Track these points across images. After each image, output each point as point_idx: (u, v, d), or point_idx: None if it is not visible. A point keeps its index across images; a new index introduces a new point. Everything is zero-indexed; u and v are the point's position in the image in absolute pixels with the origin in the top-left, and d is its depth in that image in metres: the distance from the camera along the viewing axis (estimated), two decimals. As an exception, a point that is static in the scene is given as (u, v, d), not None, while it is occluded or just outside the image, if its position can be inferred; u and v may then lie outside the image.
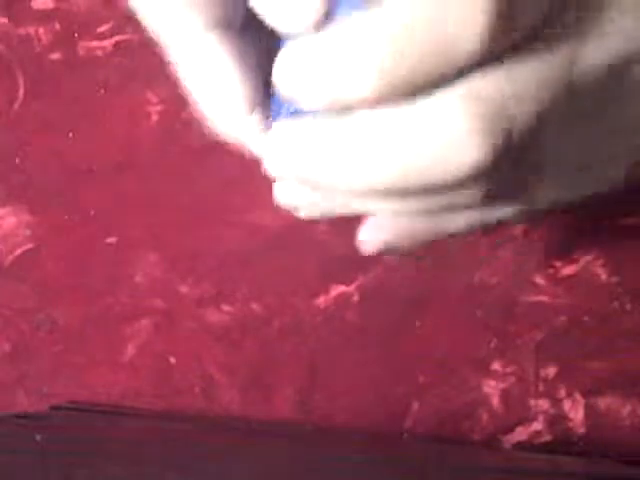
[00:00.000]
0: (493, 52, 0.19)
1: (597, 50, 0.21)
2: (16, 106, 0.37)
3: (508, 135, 0.19)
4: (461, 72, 0.19)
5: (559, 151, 0.22)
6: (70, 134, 0.37)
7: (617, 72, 0.21)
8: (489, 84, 0.20)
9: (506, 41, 0.19)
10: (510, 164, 0.21)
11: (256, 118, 0.25)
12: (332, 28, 0.20)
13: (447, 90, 0.19)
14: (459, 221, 0.24)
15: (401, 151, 0.20)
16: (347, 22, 0.19)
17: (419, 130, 0.20)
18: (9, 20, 0.37)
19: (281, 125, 0.22)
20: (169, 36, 0.26)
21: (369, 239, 0.25)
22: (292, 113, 0.24)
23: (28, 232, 0.37)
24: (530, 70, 0.20)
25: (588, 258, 0.38)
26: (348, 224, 0.25)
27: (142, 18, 0.26)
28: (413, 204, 0.22)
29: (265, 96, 0.26)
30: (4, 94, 0.37)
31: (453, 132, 0.19)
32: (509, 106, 0.19)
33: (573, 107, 0.21)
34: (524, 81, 0.20)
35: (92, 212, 0.37)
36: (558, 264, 0.38)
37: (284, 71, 0.21)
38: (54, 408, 0.36)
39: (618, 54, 0.21)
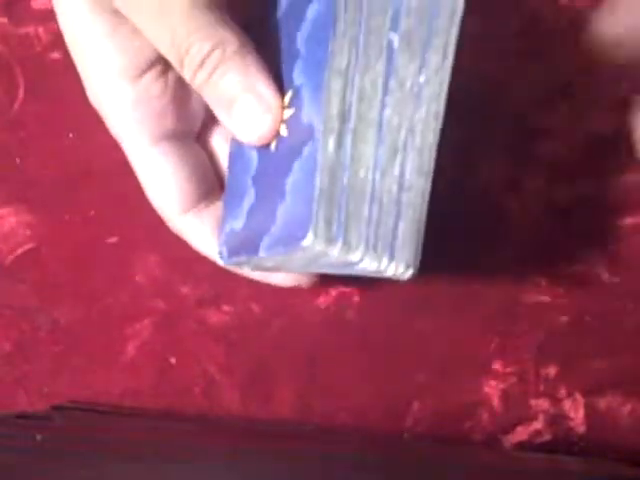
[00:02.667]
0: None
1: None
2: (16, 106, 0.37)
3: None
4: None
5: None
6: (70, 134, 0.37)
7: None
8: None
9: None
10: None
11: (190, 218, 0.30)
12: None
13: None
14: None
15: None
16: None
17: None
18: (9, 20, 0.37)
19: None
20: (123, 142, 0.29)
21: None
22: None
23: (28, 232, 0.37)
24: None
25: (589, 258, 0.38)
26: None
27: (105, 121, 0.29)
28: None
29: None
30: (4, 94, 0.37)
31: None
32: None
33: None
34: None
35: (92, 212, 0.37)
36: (559, 264, 0.38)
37: None
38: (54, 408, 0.36)
39: None
